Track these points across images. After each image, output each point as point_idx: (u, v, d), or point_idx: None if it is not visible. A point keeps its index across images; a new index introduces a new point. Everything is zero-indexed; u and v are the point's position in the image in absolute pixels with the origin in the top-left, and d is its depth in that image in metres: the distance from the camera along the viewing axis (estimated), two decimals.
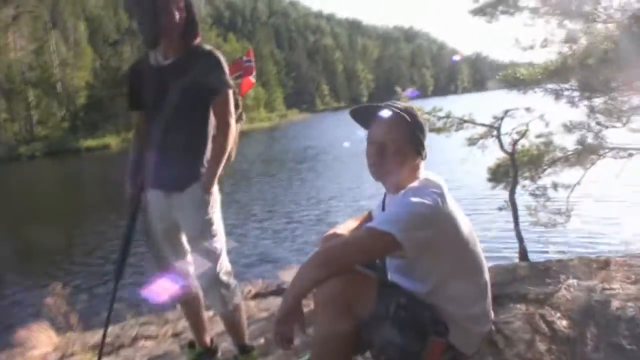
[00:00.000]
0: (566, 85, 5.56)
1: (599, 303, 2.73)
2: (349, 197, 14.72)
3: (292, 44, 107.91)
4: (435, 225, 1.74)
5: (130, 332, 3.93)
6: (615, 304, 2.68)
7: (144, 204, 2.71)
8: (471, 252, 1.87)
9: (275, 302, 4.17)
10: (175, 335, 3.78)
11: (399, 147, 1.91)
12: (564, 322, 2.61)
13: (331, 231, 2.18)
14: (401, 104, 1.99)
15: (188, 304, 2.94)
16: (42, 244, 11.13)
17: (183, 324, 3.78)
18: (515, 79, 5.62)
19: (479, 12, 7.50)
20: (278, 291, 4.70)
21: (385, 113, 1.94)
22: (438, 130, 7.52)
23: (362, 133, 2.09)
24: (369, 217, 2.23)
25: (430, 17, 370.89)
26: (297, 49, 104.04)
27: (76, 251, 11.69)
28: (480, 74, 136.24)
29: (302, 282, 1.74)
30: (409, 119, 1.92)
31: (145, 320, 4.25)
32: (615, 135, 5.57)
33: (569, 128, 5.69)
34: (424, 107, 7.61)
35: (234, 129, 2.62)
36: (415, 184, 1.86)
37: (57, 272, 9.45)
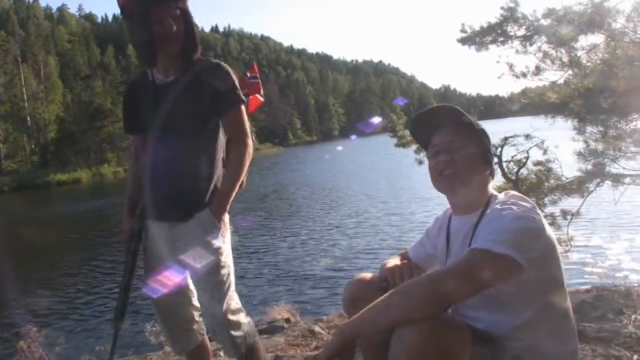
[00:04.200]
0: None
1: None
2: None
3: (264, 79, 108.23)
4: (543, 241, 1.54)
5: None
6: None
7: (145, 239, 2.41)
8: (563, 274, 1.63)
9: (267, 342, 3.83)
10: None
11: (469, 152, 1.73)
12: None
13: (362, 276, 1.92)
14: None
15: (195, 353, 2.54)
16: (14, 282, 10.70)
17: None
18: (545, 103, 5.58)
19: (468, 41, 7.53)
20: (269, 329, 4.42)
21: (452, 116, 1.78)
22: None
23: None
24: (407, 256, 2.03)
25: (399, 51, 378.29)
26: (268, 84, 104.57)
27: (51, 290, 11.07)
28: None
29: (380, 317, 1.45)
30: (477, 129, 1.77)
31: None
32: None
33: (584, 156, 5.65)
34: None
35: (251, 147, 2.34)
36: (505, 198, 1.66)
37: (30, 313, 8.97)
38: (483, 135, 1.79)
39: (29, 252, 14.89)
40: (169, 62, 2.28)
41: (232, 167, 2.31)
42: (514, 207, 1.57)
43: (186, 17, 2.24)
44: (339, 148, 61.69)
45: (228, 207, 2.31)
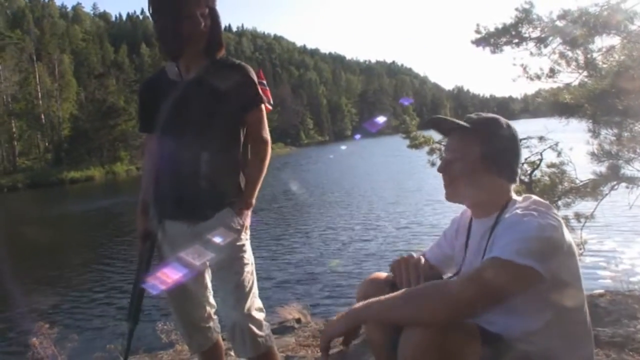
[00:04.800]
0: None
1: None
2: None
3: (277, 79, 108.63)
4: (562, 249, 1.50)
5: None
6: None
7: (161, 239, 2.36)
8: (581, 279, 1.60)
9: (277, 342, 3.89)
10: None
11: (466, 164, 1.68)
12: None
13: (375, 275, 1.91)
14: (487, 115, 1.75)
15: (209, 353, 2.51)
16: (25, 280, 10.78)
17: None
18: (559, 104, 5.53)
19: (482, 42, 7.47)
20: (280, 329, 4.40)
21: (451, 126, 1.74)
22: None
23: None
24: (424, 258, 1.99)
25: (412, 52, 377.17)
26: (281, 84, 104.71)
27: (62, 288, 11.08)
28: (462, 108, 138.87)
29: (387, 312, 1.46)
30: (484, 132, 1.68)
31: None
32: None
33: (597, 157, 5.57)
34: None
35: (270, 146, 2.36)
36: (526, 203, 1.60)
37: (42, 311, 9.01)
38: (494, 143, 1.68)
39: (41, 250, 14.98)
40: (192, 59, 2.27)
41: (253, 166, 2.32)
42: (535, 213, 1.52)
43: (213, 15, 2.26)
44: (343, 147, 62.91)
45: (253, 205, 2.31)
